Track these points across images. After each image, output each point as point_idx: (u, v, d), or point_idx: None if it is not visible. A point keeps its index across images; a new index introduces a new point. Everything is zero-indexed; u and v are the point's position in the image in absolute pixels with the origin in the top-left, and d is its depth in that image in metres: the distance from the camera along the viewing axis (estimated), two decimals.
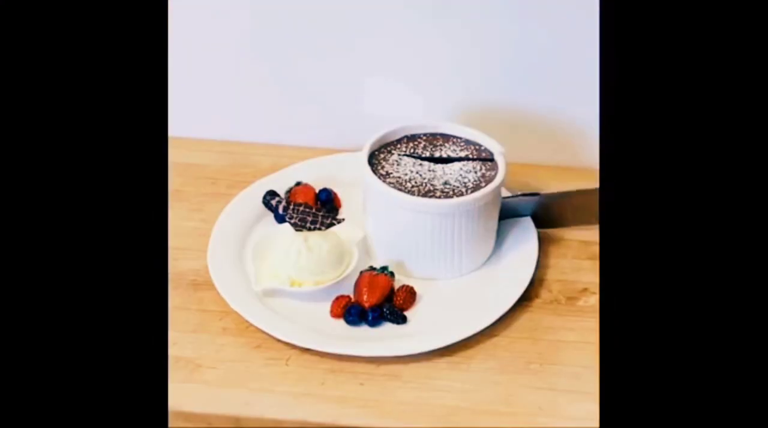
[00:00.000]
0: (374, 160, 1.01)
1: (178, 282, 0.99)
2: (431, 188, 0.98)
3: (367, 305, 0.95)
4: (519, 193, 1.05)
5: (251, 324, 0.94)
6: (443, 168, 1.00)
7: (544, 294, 0.99)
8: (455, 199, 0.96)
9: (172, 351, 0.91)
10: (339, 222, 1.05)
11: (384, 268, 0.98)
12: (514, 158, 1.03)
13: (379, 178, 0.98)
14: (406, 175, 0.99)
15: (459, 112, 1.13)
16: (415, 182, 0.98)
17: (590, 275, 1.00)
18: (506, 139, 1.02)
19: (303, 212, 1.05)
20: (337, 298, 0.96)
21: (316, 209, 1.06)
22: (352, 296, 0.97)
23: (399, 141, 1.03)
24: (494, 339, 0.94)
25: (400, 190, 0.97)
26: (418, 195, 0.96)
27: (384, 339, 0.93)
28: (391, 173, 0.99)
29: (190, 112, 1.17)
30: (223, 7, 1.13)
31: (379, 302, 0.95)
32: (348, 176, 1.08)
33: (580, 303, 0.98)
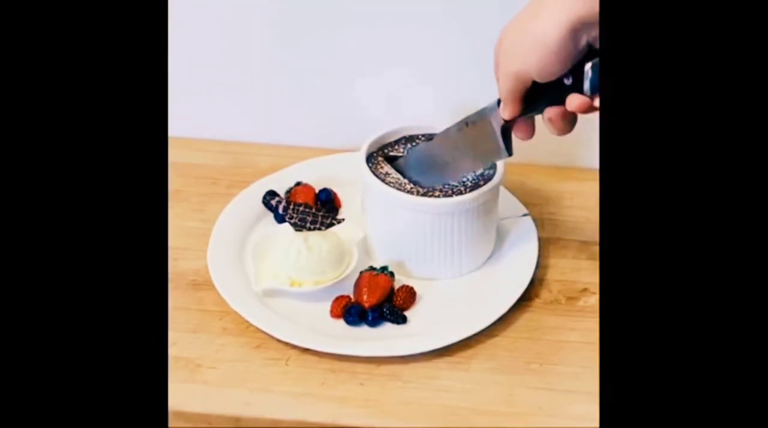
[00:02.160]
0: (373, 160, 1.01)
1: (178, 282, 0.99)
2: (430, 187, 0.97)
3: (367, 305, 0.95)
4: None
5: (251, 324, 0.94)
6: None
7: (544, 294, 0.99)
8: (454, 198, 0.96)
9: (172, 351, 0.91)
10: (339, 222, 1.05)
11: (384, 268, 0.98)
12: (513, 158, 1.03)
13: (378, 177, 0.98)
14: None
15: (461, 113, 1.13)
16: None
17: (590, 275, 1.00)
18: None
19: (303, 212, 1.05)
20: (337, 298, 0.96)
21: (316, 209, 1.06)
22: (352, 296, 0.97)
23: (397, 142, 1.03)
24: (494, 339, 0.94)
25: (399, 189, 0.97)
26: (417, 194, 0.96)
27: (384, 339, 0.93)
28: (390, 173, 0.99)
29: (190, 112, 1.17)
30: (222, 7, 1.12)
31: (379, 302, 0.95)
32: (348, 176, 1.08)
33: (580, 303, 0.98)
